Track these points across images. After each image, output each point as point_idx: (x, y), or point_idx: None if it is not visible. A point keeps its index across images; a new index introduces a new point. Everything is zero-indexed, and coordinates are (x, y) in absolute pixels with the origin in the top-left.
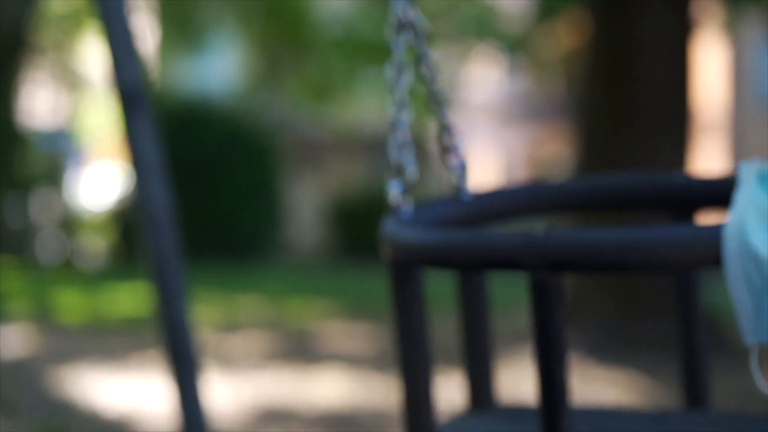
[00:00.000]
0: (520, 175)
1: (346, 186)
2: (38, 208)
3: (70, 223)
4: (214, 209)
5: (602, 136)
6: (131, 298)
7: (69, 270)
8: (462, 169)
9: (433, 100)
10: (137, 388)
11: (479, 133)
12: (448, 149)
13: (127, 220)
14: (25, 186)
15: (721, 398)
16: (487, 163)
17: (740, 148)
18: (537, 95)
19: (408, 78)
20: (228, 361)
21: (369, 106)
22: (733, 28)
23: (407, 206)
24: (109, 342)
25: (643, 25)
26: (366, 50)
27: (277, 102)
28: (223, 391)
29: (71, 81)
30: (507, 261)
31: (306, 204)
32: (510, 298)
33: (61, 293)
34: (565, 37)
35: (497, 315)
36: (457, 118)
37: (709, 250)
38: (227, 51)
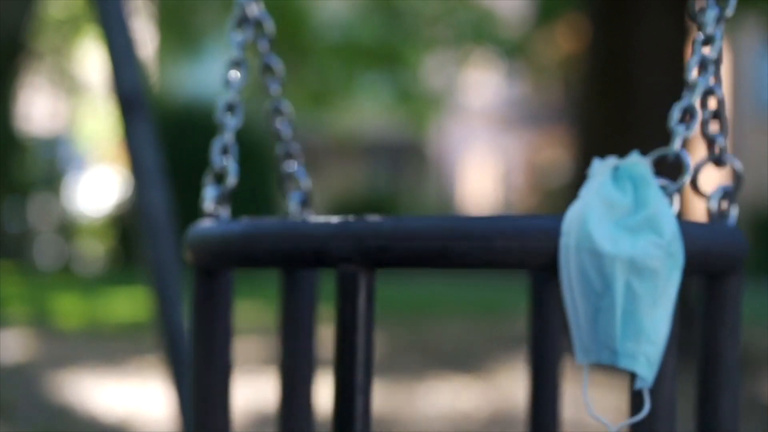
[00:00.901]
0: (518, 180)
1: (344, 191)
2: (37, 212)
3: (68, 228)
4: None
5: (600, 141)
6: (130, 303)
7: (67, 275)
8: (303, 200)
9: (275, 116)
10: (136, 393)
11: (477, 139)
12: (287, 177)
13: (126, 225)
14: (23, 191)
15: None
16: (485, 168)
17: (739, 153)
18: (535, 100)
19: (241, 80)
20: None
21: (367, 111)
22: (731, 34)
23: (224, 214)
24: (107, 347)
25: (641, 30)
26: (364, 56)
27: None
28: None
29: (70, 86)
30: (316, 251)
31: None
32: (509, 301)
33: (60, 298)
34: (563, 42)
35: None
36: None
37: (544, 242)
38: (225, 56)
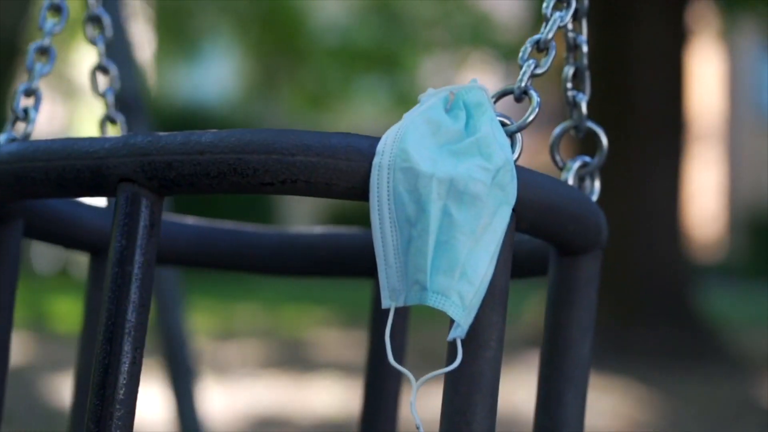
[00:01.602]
0: None
1: None
2: None
3: None
4: (209, 216)
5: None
6: None
7: (64, 278)
8: None
9: (96, 76)
10: None
11: None
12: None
13: None
14: None
15: (717, 407)
16: None
17: (735, 157)
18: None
19: (57, 25)
20: (224, 370)
21: (365, 114)
22: (728, 37)
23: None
24: None
25: (638, 34)
26: (362, 59)
27: (272, 110)
28: (220, 400)
29: (67, 89)
30: (91, 170)
31: (301, 212)
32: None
33: (56, 301)
34: (560, 45)
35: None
36: None
37: (351, 163)
38: (223, 59)
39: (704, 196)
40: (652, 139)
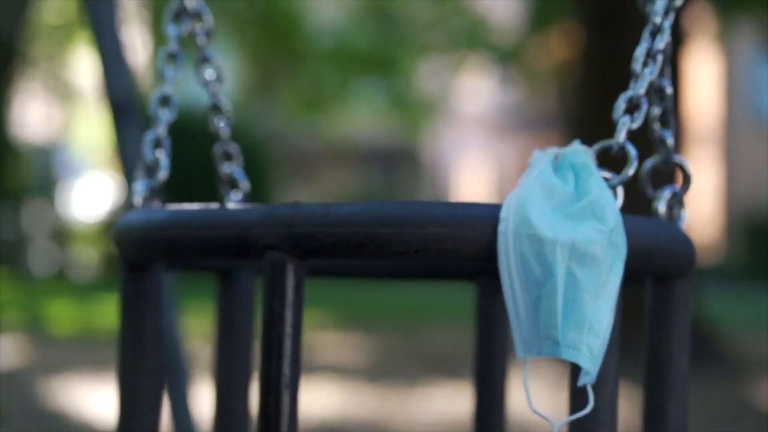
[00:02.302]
0: (512, 186)
1: (338, 196)
2: (30, 219)
3: (62, 234)
4: None
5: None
6: None
7: (61, 281)
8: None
9: (213, 114)
10: None
11: (471, 145)
12: (227, 177)
13: None
14: (17, 197)
15: (715, 409)
16: (479, 174)
17: (733, 160)
18: (529, 106)
19: (177, 73)
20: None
21: (361, 117)
22: (725, 40)
23: (157, 207)
24: (100, 353)
25: (634, 37)
26: (358, 61)
27: (269, 113)
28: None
29: (63, 92)
30: (240, 239)
31: None
32: None
33: (53, 304)
34: (557, 48)
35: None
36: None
37: (478, 230)
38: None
39: (701, 198)
40: (648, 140)
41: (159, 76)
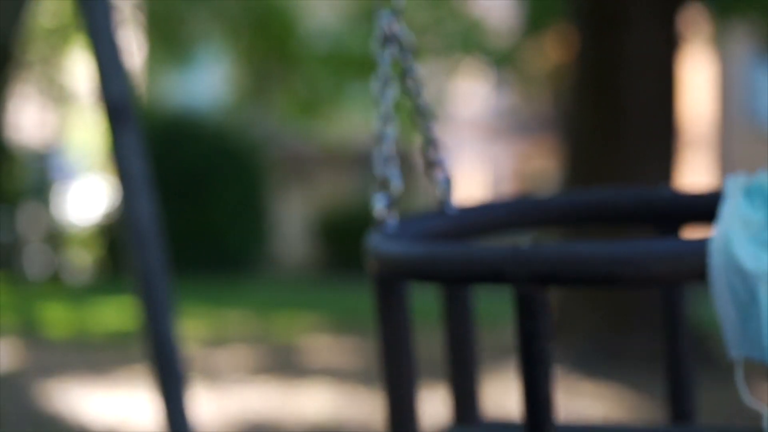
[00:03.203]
0: (507, 189)
1: (333, 200)
2: (25, 222)
3: (56, 238)
4: (201, 223)
5: (589, 150)
6: (118, 313)
7: (56, 284)
8: (447, 183)
9: (418, 114)
10: (123, 403)
11: (466, 148)
12: (433, 164)
13: (114, 235)
14: (12, 200)
15: (709, 412)
16: (474, 177)
17: (727, 163)
18: (524, 110)
19: (393, 92)
20: (214, 376)
21: (356, 120)
22: (720, 43)
23: (392, 220)
24: (95, 356)
25: (629, 40)
26: (353, 65)
27: (264, 116)
28: (210, 406)
29: (58, 95)
30: (493, 274)
31: (293, 218)
32: (495, 312)
33: (48, 308)
34: (552, 52)
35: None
36: (444, 133)
37: (696, 264)
38: (214, 65)
39: None
40: (643, 144)
41: (376, 100)
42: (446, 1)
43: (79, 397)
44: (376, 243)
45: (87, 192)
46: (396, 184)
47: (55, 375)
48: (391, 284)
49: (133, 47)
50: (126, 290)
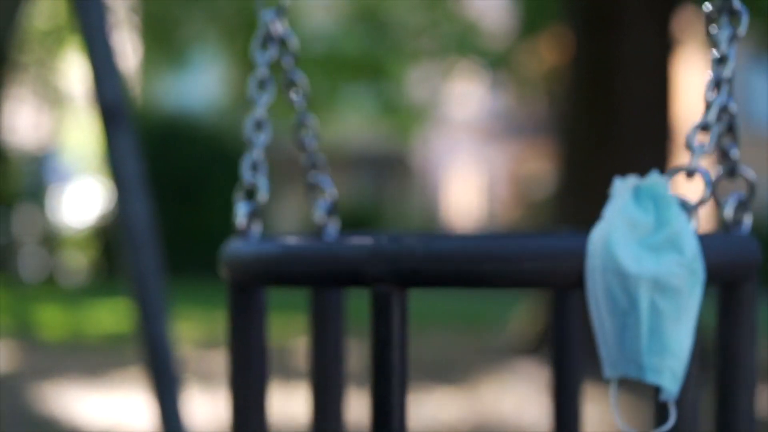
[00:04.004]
0: (502, 191)
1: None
2: (20, 224)
3: (51, 240)
4: (195, 225)
5: (584, 153)
6: (112, 315)
7: (50, 286)
8: (328, 208)
9: (299, 128)
10: (118, 405)
11: (461, 150)
12: (314, 186)
13: (109, 237)
14: (7, 202)
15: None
16: (469, 180)
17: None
18: (519, 112)
19: (269, 96)
20: (209, 378)
21: (351, 123)
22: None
23: (256, 229)
24: (90, 358)
25: (624, 43)
26: (348, 67)
27: None
28: (204, 408)
29: (54, 97)
30: (350, 274)
31: (288, 220)
32: (492, 314)
33: (43, 310)
34: (547, 54)
35: (479, 331)
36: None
37: (572, 264)
38: (209, 67)
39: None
40: (638, 147)
41: (250, 102)
42: (441, 3)
43: (74, 399)
44: (229, 248)
45: (82, 194)
46: (262, 193)
47: (50, 377)
48: (244, 291)
49: (128, 49)
50: (121, 292)
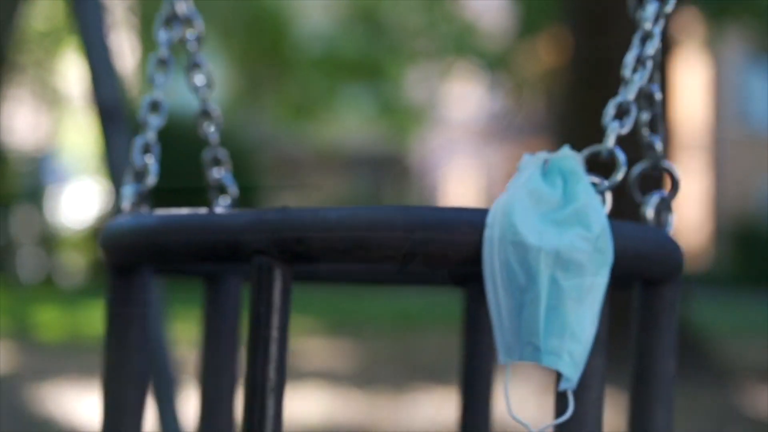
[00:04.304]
0: (500, 192)
1: (325, 202)
2: (18, 225)
3: (50, 241)
4: None
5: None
6: None
7: (48, 287)
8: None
9: (202, 119)
10: None
11: (459, 151)
12: (216, 183)
13: None
14: (5, 203)
15: (701, 415)
16: (467, 180)
17: (720, 166)
18: (517, 113)
19: (167, 79)
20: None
21: (349, 123)
22: (714, 46)
23: (145, 212)
24: (88, 359)
25: (622, 43)
26: (346, 68)
27: (257, 119)
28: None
29: (51, 98)
30: (230, 243)
31: None
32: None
33: (41, 310)
34: (545, 55)
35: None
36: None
37: (465, 236)
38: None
39: (689, 205)
40: (635, 147)
41: (149, 82)
42: (440, 3)
43: (72, 400)
44: (104, 229)
45: (80, 195)
46: (152, 177)
47: (48, 377)
48: (122, 273)
49: (126, 50)
50: None
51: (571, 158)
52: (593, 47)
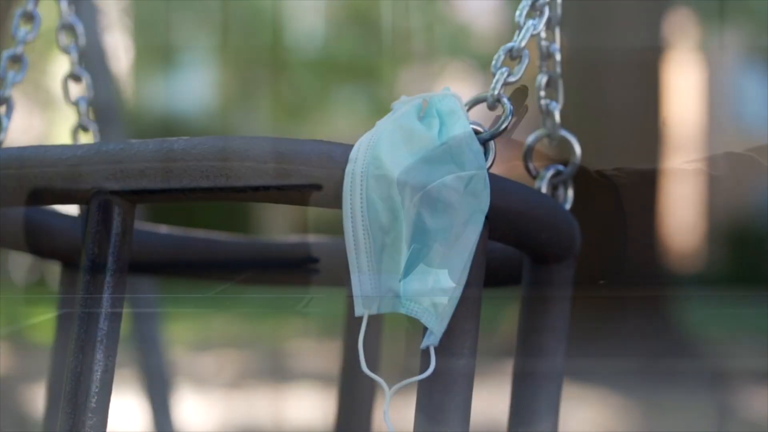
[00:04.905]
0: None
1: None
2: None
3: None
4: (189, 226)
5: None
6: None
7: (42, 289)
8: None
9: (68, 86)
10: (111, 407)
11: None
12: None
13: None
14: None
15: (693, 418)
16: None
17: (714, 168)
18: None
19: (32, 34)
20: (201, 381)
21: (344, 125)
22: (707, 48)
23: None
24: None
25: (615, 45)
26: (340, 69)
27: (251, 121)
28: (196, 411)
29: (44, 99)
30: (67, 176)
31: (281, 223)
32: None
33: (35, 312)
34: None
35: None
36: None
37: (324, 169)
38: (201, 69)
39: (683, 206)
40: (630, 146)
41: (12, 36)
42: (433, 4)
43: None
44: None
45: None
46: (3, 132)
47: (41, 380)
48: None
49: (120, 50)
50: None
51: (450, 97)
52: (585, 47)
